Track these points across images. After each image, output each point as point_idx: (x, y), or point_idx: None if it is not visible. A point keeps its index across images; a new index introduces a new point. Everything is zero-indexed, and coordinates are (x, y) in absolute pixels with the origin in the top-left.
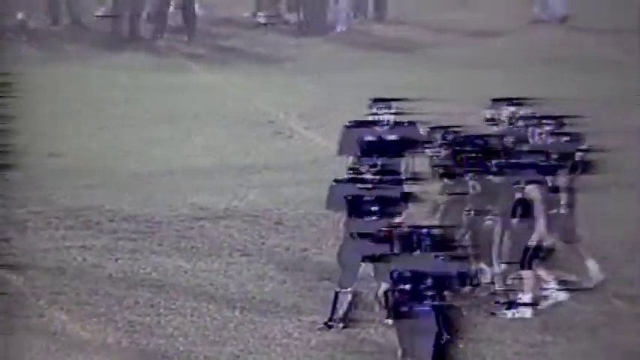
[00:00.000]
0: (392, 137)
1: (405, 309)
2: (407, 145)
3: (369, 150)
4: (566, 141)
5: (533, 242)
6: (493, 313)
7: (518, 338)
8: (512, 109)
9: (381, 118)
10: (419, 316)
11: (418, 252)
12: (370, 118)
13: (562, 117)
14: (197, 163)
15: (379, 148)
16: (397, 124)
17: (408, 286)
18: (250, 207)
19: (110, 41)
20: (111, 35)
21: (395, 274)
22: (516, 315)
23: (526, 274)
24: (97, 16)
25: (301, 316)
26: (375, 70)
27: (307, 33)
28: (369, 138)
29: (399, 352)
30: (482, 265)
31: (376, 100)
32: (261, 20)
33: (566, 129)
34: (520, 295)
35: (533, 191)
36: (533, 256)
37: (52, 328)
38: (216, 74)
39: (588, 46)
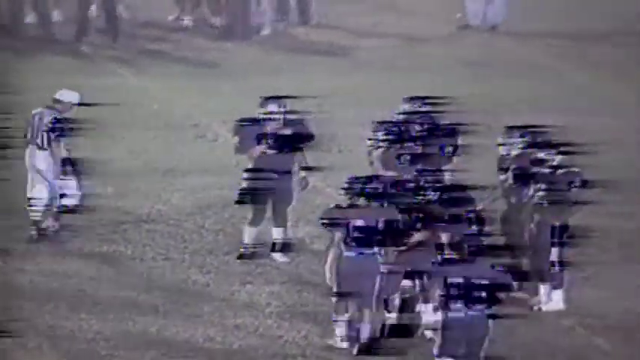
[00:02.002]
0: (285, 132)
1: None
2: (299, 139)
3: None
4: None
5: None
6: None
7: None
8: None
9: (272, 115)
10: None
11: None
12: (263, 115)
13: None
14: (121, 166)
15: (273, 144)
16: (290, 120)
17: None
18: (174, 211)
19: (33, 45)
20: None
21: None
22: None
23: None
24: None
25: (223, 320)
26: (299, 73)
27: (231, 37)
28: (263, 134)
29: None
30: None
31: (268, 98)
32: (186, 24)
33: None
34: None
35: None
36: None
37: None
38: (140, 77)
39: (516, 50)
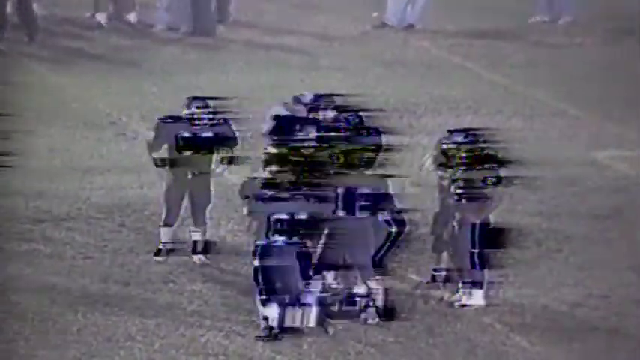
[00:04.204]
0: (207, 134)
1: None
2: (221, 142)
3: (184, 146)
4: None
5: None
6: None
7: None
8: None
9: (196, 115)
10: None
11: None
12: (186, 114)
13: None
14: (39, 165)
15: (194, 145)
16: (212, 122)
17: None
18: (94, 209)
19: None
20: None
21: None
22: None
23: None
24: None
25: (144, 319)
26: (216, 71)
27: (149, 34)
28: (185, 134)
29: None
30: None
31: (194, 98)
32: (101, 21)
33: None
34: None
35: None
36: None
37: None
38: (58, 75)
39: (431, 50)
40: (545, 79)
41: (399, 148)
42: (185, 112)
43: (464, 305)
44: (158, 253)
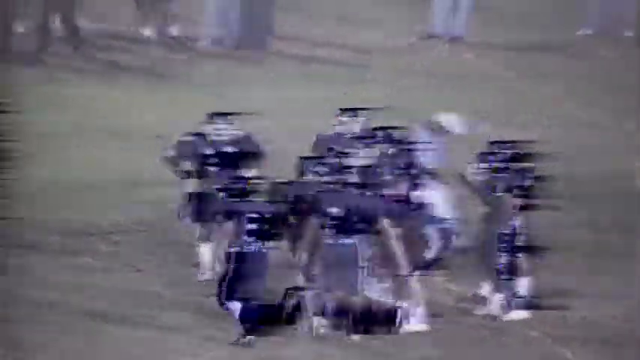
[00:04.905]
0: (230, 150)
1: None
2: (244, 156)
3: (206, 162)
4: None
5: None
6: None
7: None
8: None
9: (220, 131)
10: None
11: None
12: (209, 130)
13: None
14: (85, 178)
15: (216, 161)
16: (235, 137)
17: None
18: (140, 222)
19: None
20: None
21: None
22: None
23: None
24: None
25: (192, 330)
26: (261, 85)
27: (195, 48)
28: (207, 151)
29: None
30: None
31: (215, 114)
32: (148, 35)
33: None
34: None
35: None
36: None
37: None
38: (103, 88)
39: (475, 62)
40: (589, 91)
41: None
42: (206, 128)
43: (501, 318)
44: (197, 265)
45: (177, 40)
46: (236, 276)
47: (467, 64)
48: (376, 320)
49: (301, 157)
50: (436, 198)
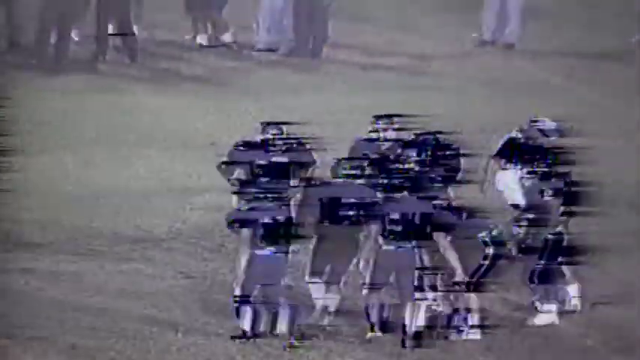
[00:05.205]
0: (282, 160)
1: None
2: (297, 167)
3: (259, 172)
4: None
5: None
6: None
7: None
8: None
9: (271, 141)
10: None
11: None
12: (261, 140)
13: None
14: (138, 185)
15: (269, 170)
16: (288, 146)
17: None
18: (193, 229)
19: (46, 63)
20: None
21: None
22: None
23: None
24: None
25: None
26: (315, 93)
27: (248, 56)
28: (260, 160)
29: None
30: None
31: (269, 124)
32: (202, 43)
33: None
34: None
35: None
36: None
37: None
38: (157, 96)
39: (530, 70)
40: None
41: None
42: (260, 137)
43: (533, 324)
44: None
45: (231, 48)
46: (249, 280)
47: (522, 72)
48: (430, 328)
49: (337, 159)
50: (510, 180)
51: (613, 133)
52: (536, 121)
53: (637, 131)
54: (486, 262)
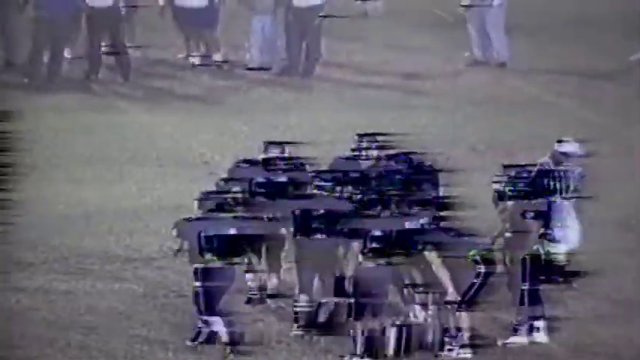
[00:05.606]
0: (281, 179)
1: None
2: (295, 186)
3: (258, 192)
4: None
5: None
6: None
7: None
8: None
9: (272, 160)
10: None
11: None
12: (262, 159)
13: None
14: (130, 204)
15: (267, 189)
16: (288, 167)
17: None
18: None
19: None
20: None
21: None
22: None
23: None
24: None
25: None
26: (306, 111)
27: (241, 74)
28: (259, 179)
29: None
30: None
31: (270, 143)
32: (195, 62)
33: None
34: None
35: None
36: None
37: None
38: (150, 115)
39: (521, 88)
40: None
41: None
42: (262, 156)
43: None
44: (249, 301)
45: (223, 67)
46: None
47: (514, 90)
48: (418, 346)
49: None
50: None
51: (605, 151)
52: (560, 142)
53: (629, 148)
54: (478, 281)
